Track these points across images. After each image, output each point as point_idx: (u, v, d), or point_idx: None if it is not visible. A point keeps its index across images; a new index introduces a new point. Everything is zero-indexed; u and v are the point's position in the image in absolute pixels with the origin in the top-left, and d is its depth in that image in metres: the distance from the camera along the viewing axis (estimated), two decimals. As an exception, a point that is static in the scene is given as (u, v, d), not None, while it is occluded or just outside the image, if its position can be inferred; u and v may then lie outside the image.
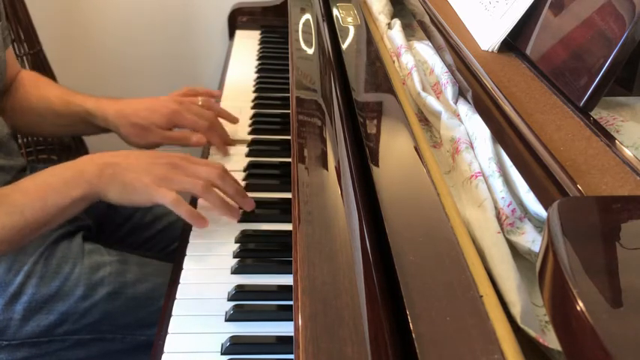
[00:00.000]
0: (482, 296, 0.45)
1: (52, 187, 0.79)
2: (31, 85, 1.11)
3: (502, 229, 0.57)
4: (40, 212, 0.78)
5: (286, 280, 0.79)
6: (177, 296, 0.77)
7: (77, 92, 1.08)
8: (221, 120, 1.10)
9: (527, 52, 0.69)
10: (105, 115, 1.03)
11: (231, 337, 0.70)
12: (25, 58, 1.51)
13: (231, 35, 1.68)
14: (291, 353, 0.48)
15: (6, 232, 0.78)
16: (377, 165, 0.64)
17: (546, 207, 0.49)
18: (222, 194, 0.85)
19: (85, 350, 0.94)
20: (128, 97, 1.12)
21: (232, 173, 1.00)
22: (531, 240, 0.55)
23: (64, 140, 1.64)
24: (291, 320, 0.51)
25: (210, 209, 0.85)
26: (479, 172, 0.63)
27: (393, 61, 0.90)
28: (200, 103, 1.07)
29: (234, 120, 1.13)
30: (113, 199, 0.81)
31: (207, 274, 0.81)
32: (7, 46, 1.04)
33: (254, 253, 0.84)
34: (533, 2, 0.70)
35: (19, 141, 1.56)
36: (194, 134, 1.02)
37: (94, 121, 1.05)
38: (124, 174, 0.80)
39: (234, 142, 1.11)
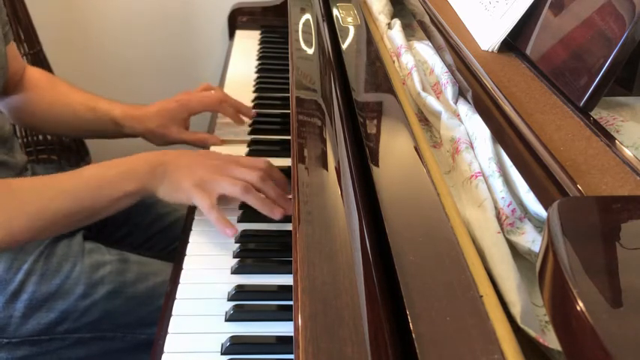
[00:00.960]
0: (482, 296, 0.46)
1: (108, 179, 0.84)
2: (48, 87, 1.12)
3: (502, 229, 0.57)
4: (92, 202, 0.83)
5: (286, 280, 0.79)
6: (177, 296, 0.77)
7: (100, 97, 1.11)
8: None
9: (527, 52, 0.69)
10: (132, 124, 1.09)
11: (231, 337, 0.70)
12: (25, 58, 1.51)
13: (231, 35, 1.68)
14: (291, 353, 0.48)
15: (62, 217, 0.82)
16: (377, 165, 0.64)
17: (546, 207, 0.49)
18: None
19: (85, 349, 0.94)
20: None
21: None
22: (531, 240, 0.55)
23: (65, 140, 1.65)
24: (291, 320, 0.51)
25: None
26: (479, 172, 0.63)
27: (393, 61, 0.90)
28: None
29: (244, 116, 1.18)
30: (161, 195, 0.85)
31: (207, 274, 0.81)
32: (9, 41, 1.04)
33: (254, 253, 0.84)
34: (533, 2, 0.70)
35: (20, 141, 1.56)
36: (210, 137, 1.12)
37: (121, 129, 1.10)
38: (172, 173, 0.84)
39: (249, 110, 1.17)
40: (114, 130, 1.10)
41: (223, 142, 1.11)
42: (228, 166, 0.86)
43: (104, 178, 0.84)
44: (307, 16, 1.12)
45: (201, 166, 0.85)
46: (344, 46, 0.94)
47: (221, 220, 0.83)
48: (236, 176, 0.84)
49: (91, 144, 1.74)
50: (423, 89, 0.80)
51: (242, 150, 1.09)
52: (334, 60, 0.91)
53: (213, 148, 1.08)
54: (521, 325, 0.47)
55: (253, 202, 0.84)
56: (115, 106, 1.09)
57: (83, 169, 0.87)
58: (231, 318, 0.73)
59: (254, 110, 1.19)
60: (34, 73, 1.13)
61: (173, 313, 0.74)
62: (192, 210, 0.92)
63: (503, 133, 0.59)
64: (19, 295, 0.89)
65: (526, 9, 0.70)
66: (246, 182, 0.84)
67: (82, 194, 0.83)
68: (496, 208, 0.59)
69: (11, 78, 1.07)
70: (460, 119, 0.74)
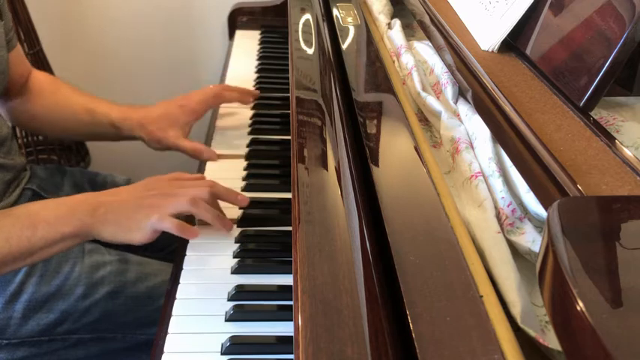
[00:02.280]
0: (482, 296, 0.46)
1: (44, 219, 0.78)
2: (52, 90, 1.12)
3: (502, 229, 0.57)
4: (25, 242, 0.76)
5: (286, 280, 0.79)
6: (177, 296, 0.77)
7: (100, 100, 1.10)
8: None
9: (527, 52, 0.69)
10: (131, 127, 1.07)
11: (231, 337, 0.70)
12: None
13: (231, 35, 1.68)
14: (291, 353, 0.48)
15: None
16: (377, 165, 0.64)
17: (546, 207, 0.49)
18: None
19: (85, 349, 0.94)
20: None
21: (231, 173, 1.01)
22: (531, 240, 0.55)
23: (65, 141, 1.65)
24: (291, 320, 0.51)
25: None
26: (479, 172, 0.63)
27: (393, 61, 0.90)
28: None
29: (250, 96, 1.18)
30: (108, 238, 0.80)
31: (207, 274, 0.81)
32: (13, 46, 1.04)
33: (254, 253, 0.84)
34: (533, 2, 0.70)
35: (19, 141, 1.56)
36: (206, 150, 1.07)
37: (120, 132, 1.08)
38: (116, 214, 0.79)
39: (253, 92, 1.17)
40: (112, 133, 1.09)
41: (219, 158, 1.07)
42: (173, 190, 0.82)
43: (39, 219, 0.78)
44: (307, 16, 1.12)
45: (146, 197, 0.81)
46: (344, 46, 0.94)
47: (195, 231, 0.81)
48: (183, 194, 0.81)
49: (91, 144, 1.74)
50: (423, 89, 0.80)
51: (242, 150, 1.09)
52: (334, 60, 0.91)
53: (209, 165, 1.06)
54: (521, 325, 0.47)
55: (204, 214, 0.81)
56: (113, 109, 1.08)
57: (17, 207, 0.83)
58: (231, 318, 0.73)
59: (257, 92, 1.20)
60: (38, 76, 1.13)
61: (173, 313, 0.74)
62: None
63: (503, 133, 0.59)
64: (19, 296, 0.89)
65: (526, 9, 0.70)
66: (192, 196, 0.81)
67: (12, 234, 0.76)
68: (496, 208, 0.59)
69: (16, 81, 1.07)
70: (460, 119, 0.74)
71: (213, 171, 1.03)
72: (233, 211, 0.90)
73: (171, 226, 0.78)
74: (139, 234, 0.78)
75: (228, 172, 1.01)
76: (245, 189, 0.97)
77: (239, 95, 1.16)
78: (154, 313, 0.90)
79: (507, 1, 0.73)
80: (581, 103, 0.57)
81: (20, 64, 1.08)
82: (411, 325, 0.43)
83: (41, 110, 1.11)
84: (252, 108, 1.23)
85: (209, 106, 1.15)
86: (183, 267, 0.81)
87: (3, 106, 1.10)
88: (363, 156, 0.68)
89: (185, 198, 0.80)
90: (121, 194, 0.82)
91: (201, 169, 1.06)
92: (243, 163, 1.05)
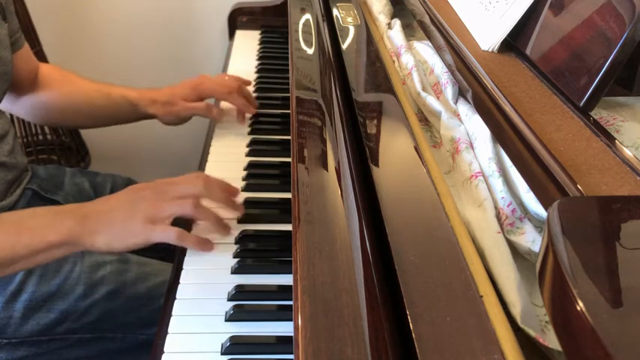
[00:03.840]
0: (482, 296, 0.46)
1: (29, 226, 0.75)
2: (60, 80, 1.14)
3: (502, 229, 0.57)
4: (8, 250, 0.74)
5: (286, 280, 0.79)
6: (177, 296, 0.77)
7: (111, 83, 1.15)
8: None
9: (527, 52, 0.69)
10: (146, 103, 1.11)
11: (231, 337, 0.70)
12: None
13: (231, 35, 1.68)
14: (291, 353, 0.48)
15: None
16: (377, 165, 0.64)
17: (546, 207, 0.49)
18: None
19: (85, 349, 0.94)
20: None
21: (231, 173, 1.01)
22: (531, 240, 0.55)
23: (64, 140, 1.65)
24: (291, 320, 0.51)
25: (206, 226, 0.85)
26: (479, 172, 0.63)
27: (393, 61, 0.90)
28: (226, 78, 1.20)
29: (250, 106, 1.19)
30: (102, 247, 0.76)
31: (207, 274, 0.81)
32: (20, 46, 1.05)
33: (254, 253, 0.84)
34: (533, 2, 0.70)
35: (19, 141, 1.56)
36: (215, 107, 1.13)
37: (137, 110, 1.12)
38: (111, 220, 0.76)
39: (253, 110, 1.18)
40: (129, 111, 1.12)
41: (219, 158, 1.08)
42: (165, 188, 0.80)
43: (24, 226, 0.75)
44: (307, 16, 1.12)
45: (138, 199, 0.78)
46: (344, 46, 0.94)
47: (200, 240, 0.81)
48: (179, 195, 0.79)
49: (91, 144, 1.74)
50: (423, 89, 0.80)
51: (242, 150, 1.09)
52: (334, 60, 0.91)
53: (209, 165, 1.06)
54: (521, 325, 0.47)
55: (207, 217, 0.81)
56: (128, 89, 1.12)
57: (5, 214, 0.80)
58: (231, 318, 0.73)
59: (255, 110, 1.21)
60: (46, 69, 1.15)
61: (173, 313, 0.74)
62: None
63: (503, 133, 0.59)
64: (19, 296, 0.89)
65: (526, 9, 0.70)
66: (193, 195, 0.79)
67: None
68: (496, 208, 0.59)
69: (26, 78, 1.09)
70: (460, 119, 0.74)
71: (214, 171, 1.03)
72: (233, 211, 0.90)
73: (192, 243, 0.80)
74: (135, 239, 0.76)
75: (228, 172, 1.01)
76: (245, 189, 0.97)
77: (242, 105, 1.17)
78: (154, 313, 0.90)
79: (507, 1, 0.73)
80: (581, 103, 0.57)
81: (29, 61, 1.10)
82: (411, 325, 0.43)
83: (54, 100, 1.13)
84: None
85: (216, 98, 1.19)
86: (184, 267, 0.81)
87: (17, 104, 1.12)
88: (363, 156, 0.68)
89: (186, 200, 0.79)
90: (110, 202, 0.80)
91: (201, 169, 1.06)
92: (244, 163, 1.05)
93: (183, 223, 0.85)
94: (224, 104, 1.21)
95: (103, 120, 1.17)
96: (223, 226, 0.84)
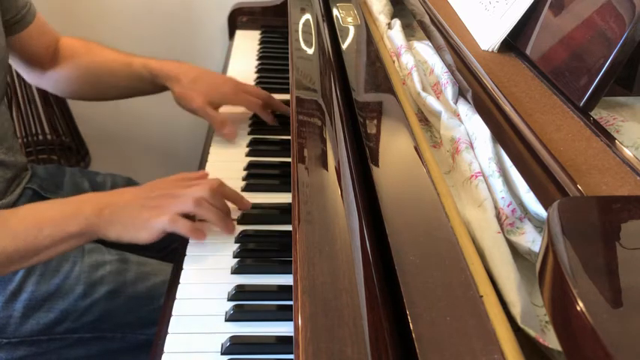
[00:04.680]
0: (482, 296, 0.46)
1: (50, 218, 0.79)
2: (84, 51, 1.15)
3: (502, 229, 0.57)
4: (32, 241, 0.77)
5: (286, 280, 0.79)
6: (177, 296, 0.77)
7: (132, 54, 1.14)
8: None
9: (527, 52, 0.69)
10: (167, 74, 1.09)
11: (231, 337, 0.70)
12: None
13: (231, 35, 1.68)
14: (291, 353, 0.48)
15: None
16: (377, 165, 0.64)
17: (546, 207, 0.49)
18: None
19: (84, 349, 0.94)
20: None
21: (231, 173, 1.01)
22: (531, 240, 0.55)
23: (65, 140, 1.65)
24: (291, 320, 0.51)
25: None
26: (479, 172, 0.63)
27: (393, 61, 0.90)
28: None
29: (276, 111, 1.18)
30: (113, 238, 0.80)
31: (207, 274, 0.81)
32: (29, 22, 1.05)
33: (254, 253, 0.84)
34: (533, 2, 0.70)
35: (20, 141, 1.56)
36: (227, 126, 1.09)
37: (155, 79, 1.10)
38: (122, 214, 0.80)
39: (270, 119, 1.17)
40: (149, 81, 1.11)
41: (218, 158, 1.07)
42: (177, 190, 0.83)
43: (45, 218, 0.79)
44: (307, 16, 1.12)
45: (151, 198, 0.82)
46: (344, 46, 0.94)
47: (192, 229, 0.81)
48: (187, 194, 0.82)
49: (91, 145, 1.74)
50: (423, 89, 0.80)
51: (242, 150, 1.08)
52: (334, 60, 0.91)
53: (209, 164, 1.06)
54: (521, 325, 0.47)
55: (207, 215, 0.82)
56: (149, 59, 1.12)
57: (23, 207, 0.83)
58: (231, 318, 0.73)
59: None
60: (68, 41, 1.15)
61: (173, 313, 0.74)
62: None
63: (503, 133, 0.59)
64: (19, 295, 0.89)
65: (526, 9, 0.70)
66: (196, 197, 0.81)
67: (18, 233, 0.77)
68: (496, 208, 0.59)
69: (44, 52, 1.10)
70: (460, 119, 0.74)
71: (214, 170, 1.03)
72: (233, 212, 0.90)
73: (184, 229, 0.80)
74: (146, 234, 0.79)
75: (228, 172, 1.01)
76: (245, 189, 0.97)
77: (268, 119, 1.16)
78: (153, 313, 0.90)
79: (507, 1, 0.73)
80: (581, 103, 0.57)
81: (44, 34, 1.10)
82: (411, 325, 0.43)
83: (78, 72, 1.13)
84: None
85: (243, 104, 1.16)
86: (184, 267, 0.81)
87: (44, 79, 1.13)
88: (363, 156, 0.68)
89: (189, 198, 0.80)
90: (126, 195, 0.83)
91: (201, 169, 1.06)
92: (244, 163, 1.05)
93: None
94: (223, 109, 1.21)
95: (124, 90, 1.17)
96: (226, 225, 0.84)
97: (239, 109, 1.18)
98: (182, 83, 1.09)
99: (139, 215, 0.79)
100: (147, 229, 0.79)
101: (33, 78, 1.16)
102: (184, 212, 0.81)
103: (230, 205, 0.88)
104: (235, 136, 1.11)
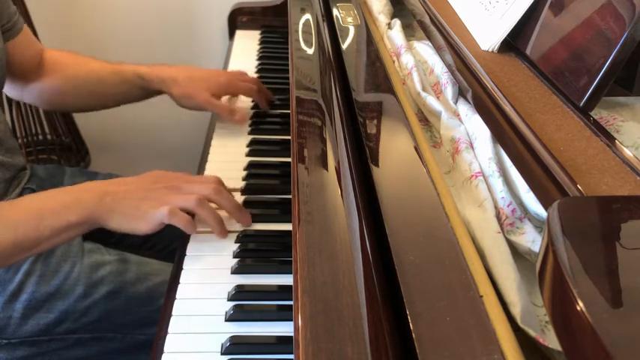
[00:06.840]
0: (482, 296, 0.46)
1: (50, 208, 0.79)
2: (70, 62, 1.14)
3: (502, 229, 0.57)
4: (33, 231, 0.77)
5: (286, 280, 0.79)
6: (177, 296, 0.77)
7: (120, 62, 1.13)
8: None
9: (527, 52, 0.69)
10: (161, 77, 1.09)
11: (231, 337, 0.70)
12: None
13: (231, 35, 1.68)
14: (291, 353, 0.48)
15: None
16: (377, 165, 0.64)
17: (546, 207, 0.49)
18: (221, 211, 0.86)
19: (84, 349, 0.94)
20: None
21: (231, 173, 1.01)
22: (531, 240, 0.55)
23: (64, 140, 1.65)
24: (291, 320, 0.51)
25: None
26: (479, 172, 0.63)
27: (393, 61, 0.90)
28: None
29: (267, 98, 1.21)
30: (114, 227, 0.80)
31: (207, 274, 0.81)
32: (18, 31, 1.04)
33: (254, 253, 0.84)
34: (533, 2, 0.70)
35: (19, 141, 1.56)
36: (238, 112, 1.12)
37: (149, 85, 1.10)
38: (123, 203, 0.80)
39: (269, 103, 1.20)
40: (140, 87, 1.11)
41: (218, 159, 1.08)
42: (180, 184, 0.83)
43: (44, 208, 0.79)
44: (307, 16, 1.12)
45: (153, 189, 0.82)
46: (344, 46, 0.94)
47: (188, 223, 0.81)
48: (190, 191, 0.82)
49: (92, 145, 1.74)
50: (423, 89, 0.80)
51: (242, 150, 1.08)
52: (334, 60, 0.91)
53: (209, 165, 1.06)
54: (521, 325, 0.47)
55: (207, 216, 0.82)
56: (139, 66, 1.11)
57: (23, 198, 0.84)
58: (231, 318, 0.73)
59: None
60: (52, 53, 1.15)
61: (173, 313, 0.74)
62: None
63: (503, 133, 0.59)
64: (19, 296, 0.89)
65: (526, 9, 0.70)
66: (200, 195, 0.81)
67: (19, 224, 0.77)
68: (496, 208, 0.59)
69: (30, 63, 1.09)
70: (460, 119, 0.74)
71: (214, 170, 1.03)
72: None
73: (181, 222, 0.80)
74: (144, 224, 0.79)
75: (228, 172, 1.01)
76: (245, 189, 0.97)
77: (264, 103, 1.18)
78: (153, 313, 0.90)
79: (507, 1, 0.73)
80: (581, 103, 0.57)
81: (30, 46, 1.09)
82: (411, 325, 0.43)
83: (65, 83, 1.12)
84: (253, 108, 1.23)
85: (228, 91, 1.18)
86: (183, 267, 0.81)
87: (26, 91, 1.12)
88: (363, 156, 0.68)
89: (193, 195, 0.81)
90: (128, 184, 0.83)
91: (201, 169, 1.06)
92: (244, 163, 1.05)
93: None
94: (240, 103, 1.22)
95: (112, 98, 1.16)
96: (222, 230, 0.84)
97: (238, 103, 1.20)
98: (180, 83, 1.09)
99: (140, 206, 0.79)
100: (146, 219, 0.79)
101: (15, 90, 1.13)
102: (185, 208, 0.81)
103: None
104: (247, 118, 1.13)
